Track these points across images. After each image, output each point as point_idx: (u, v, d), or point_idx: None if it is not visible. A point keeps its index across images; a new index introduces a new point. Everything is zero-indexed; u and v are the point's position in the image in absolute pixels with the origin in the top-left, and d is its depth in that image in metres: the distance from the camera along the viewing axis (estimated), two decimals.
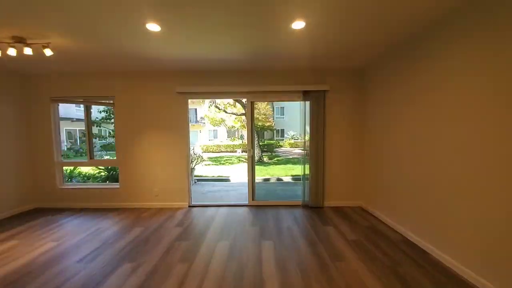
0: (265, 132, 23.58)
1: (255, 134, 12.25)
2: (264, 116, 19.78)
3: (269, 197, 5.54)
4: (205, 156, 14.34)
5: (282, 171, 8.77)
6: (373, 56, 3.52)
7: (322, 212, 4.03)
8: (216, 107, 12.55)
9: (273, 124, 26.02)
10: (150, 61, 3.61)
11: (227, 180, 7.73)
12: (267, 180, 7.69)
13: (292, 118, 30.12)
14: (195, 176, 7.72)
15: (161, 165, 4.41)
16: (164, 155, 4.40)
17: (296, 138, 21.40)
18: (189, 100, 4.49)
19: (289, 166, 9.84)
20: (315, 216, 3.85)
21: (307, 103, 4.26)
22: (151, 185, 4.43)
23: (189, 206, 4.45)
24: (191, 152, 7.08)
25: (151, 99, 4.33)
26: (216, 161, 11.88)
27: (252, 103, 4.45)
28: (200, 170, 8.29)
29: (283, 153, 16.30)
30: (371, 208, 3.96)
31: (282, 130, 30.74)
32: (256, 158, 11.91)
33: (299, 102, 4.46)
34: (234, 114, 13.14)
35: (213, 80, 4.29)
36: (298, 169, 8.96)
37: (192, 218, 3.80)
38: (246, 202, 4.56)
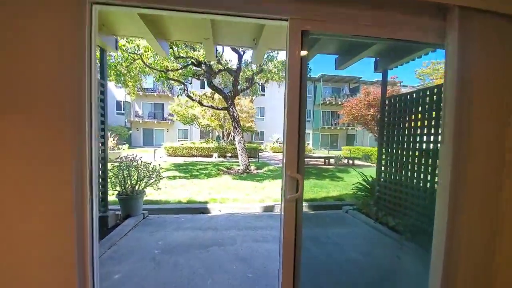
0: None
1: (239, 133, 9.24)
2: (247, 115, 16.85)
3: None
4: (171, 161, 10.84)
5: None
6: None
7: None
8: (188, 96, 9.23)
9: (253, 125, 23.25)
10: None
11: (203, 211, 4.59)
12: (269, 208, 4.75)
13: (274, 120, 27.72)
14: (146, 202, 4.45)
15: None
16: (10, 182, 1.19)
17: (281, 142, 18.94)
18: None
19: None
20: None
21: (459, 47, 1.45)
22: None
23: None
24: (136, 161, 3.83)
25: None
26: (186, 171, 8.56)
27: (302, 36, 1.48)
28: (158, 191, 5.03)
29: (270, 160, 13.53)
30: None
31: (262, 133, 28.15)
32: (242, 167, 8.88)
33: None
34: (213, 108, 9.94)
35: None
36: (308, 188, 6.18)
37: None
38: None
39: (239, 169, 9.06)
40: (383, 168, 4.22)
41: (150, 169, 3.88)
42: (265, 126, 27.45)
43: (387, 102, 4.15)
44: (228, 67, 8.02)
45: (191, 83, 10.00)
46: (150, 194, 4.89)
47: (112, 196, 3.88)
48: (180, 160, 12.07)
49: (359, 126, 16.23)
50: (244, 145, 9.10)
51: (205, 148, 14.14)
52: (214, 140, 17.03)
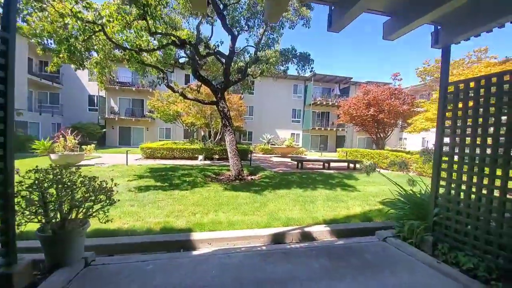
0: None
1: (230, 132, 7.81)
2: (236, 113, 15.33)
3: None
4: (148, 165, 9.12)
5: (296, 207, 4.59)
6: None
7: None
8: (169, 87, 7.60)
9: (242, 125, 21.76)
10: None
11: (185, 244, 3.12)
12: (279, 238, 3.39)
13: (263, 119, 26.39)
14: (97, 234, 2.93)
15: None
16: None
17: (273, 142, 17.56)
18: None
19: (297, 192, 5.73)
20: None
21: None
22: None
23: None
24: (70, 173, 2.30)
25: None
26: (165, 178, 6.92)
27: None
28: (119, 214, 3.55)
29: (262, 163, 12.18)
30: None
31: (250, 133, 26.74)
32: (233, 172, 7.43)
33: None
34: (198, 101, 8.37)
35: None
36: (322, 202, 4.89)
37: None
38: None
39: (230, 175, 7.61)
40: (443, 182, 3.02)
41: (96, 187, 2.35)
42: (254, 126, 26.10)
43: (453, 88, 2.95)
44: (218, 50, 6.54)
45: (172, 71, 8.38)
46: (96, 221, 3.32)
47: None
48: (159, 163, 10.35)
49: (357, 127, 15.36)
50: (236, 147, 7.66)
51: (189, 149, 12.47)
52: (199, 141, 15.36)
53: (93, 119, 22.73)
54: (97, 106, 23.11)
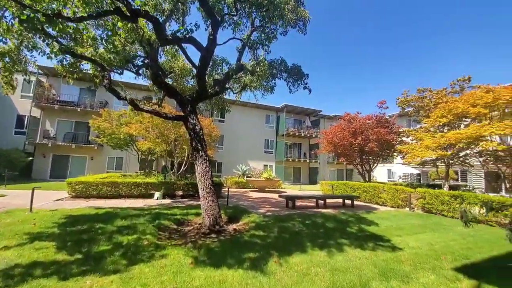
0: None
1: (204, 160, 5.43)
2: (208, 138, 12.89)
3: None
4: (72, 209, 5.90)
5: None
6: None
7: None
8: (110, 90, 5.11)
9: (212, 155, 19.19)
10: None
11: None
12: None
13: (235, 150, 24.16)
14: None
15: None
16: None
17: (249, 174, 15.17)
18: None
19: (322, 259, 3.44)
20: None
21: None
22: None
23: None
24: None
25: None
26: (79, 239, 3.96)
27: None
28: None
29: (239, 200, 9.65)
30: None
31: (220, 164, 24.01)
32: (207, 221, 4.85)
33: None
34: (158, 115, 5.91)
35: None
36: (376, 276, 2.69)
37: None
38: None
39: (201, 225, 5.00)
40: None
41: None
42: (224, 157, 23.63)
43: None
44: (191, 36, 4.50)
45: (121, 74, 5.91)
46: None
47: None
48: (92, 205, 7.09)
49: (341, 157, 14.23)
50: (212, 181, 5.25)
51: (142, 184, 9.33)
52: (158, 173, 12.25)
53: (20, 145, 17.72)
54: (26, 128, 18.32)
